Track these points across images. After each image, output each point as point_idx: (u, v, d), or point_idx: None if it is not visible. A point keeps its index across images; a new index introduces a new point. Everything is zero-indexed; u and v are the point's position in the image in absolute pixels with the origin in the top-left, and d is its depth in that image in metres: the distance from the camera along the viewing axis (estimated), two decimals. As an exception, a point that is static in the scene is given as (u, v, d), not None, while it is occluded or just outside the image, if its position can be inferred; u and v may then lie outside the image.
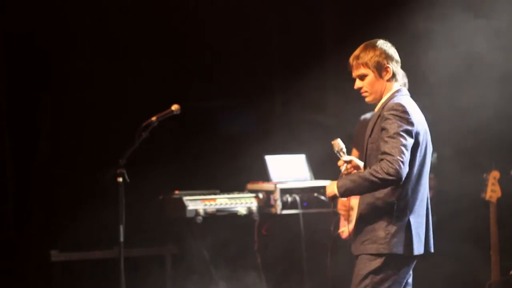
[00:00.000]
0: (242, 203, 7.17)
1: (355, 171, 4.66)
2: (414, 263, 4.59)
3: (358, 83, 4.64)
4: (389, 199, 4.46)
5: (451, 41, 7.17)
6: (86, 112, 7.78)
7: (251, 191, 7.32)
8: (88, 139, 7.75)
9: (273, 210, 7.00)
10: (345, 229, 6.46)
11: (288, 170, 7.37)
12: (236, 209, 7.15)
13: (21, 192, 7.73)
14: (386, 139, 4.36)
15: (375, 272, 4.45)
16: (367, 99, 4.66)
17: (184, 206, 7.02)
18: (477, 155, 7.11)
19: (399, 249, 4.44)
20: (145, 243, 7.57)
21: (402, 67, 6.33)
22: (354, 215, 6.41)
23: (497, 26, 7.01)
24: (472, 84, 7.07)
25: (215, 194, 7.25)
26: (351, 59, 4.66)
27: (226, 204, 7.14)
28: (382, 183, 4.35)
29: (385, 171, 4.31)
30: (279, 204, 7.05)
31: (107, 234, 6.69)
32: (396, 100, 4.50)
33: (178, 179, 7.75)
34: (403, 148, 4.33)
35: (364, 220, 4.52)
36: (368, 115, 6.52)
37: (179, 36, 8.09)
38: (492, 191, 6.39)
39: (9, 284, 7.47)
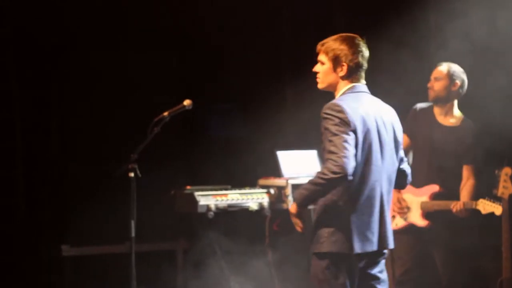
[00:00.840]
0: (253, 198, 7.17)
1: None
2: (369, 262, 4.64)
3: (316, 67, 4.72)
4: (332, 198, 4.52)
5: (462, 36, 7.15)
6: (98, 106, 7.79)
7: (263, 187, 7.32)
8: (99, 134, 7.77)
9: (284, 205, 6.99)
10: (396, 222, 6.50)
11: (299, 165, 7.36)
12: (247, 204, 7.15)
13: (32, 186, 7.75)
14: (329, 138, 4.42)
15: (322, 270, 4.56)
16: (318, 85, 4.73)
17: (195, 202, 7.02)
18: (489, 151, 7.09)
19: (337, 248, 4.51)
20: (156, 238, 7.58)
21: (411, 64, 6.35)
22: (411, 213, 6.47)
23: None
24: (482, 79, 7.05)
25: (226, 189, 7.25)
26: (320, 42, 4.74)
27: (238, 199, 7.14)
28: (331, 183, 4.40)
29: (331, 170, 4.36)
30: (290, 199, 7.04)
31: (118, 229, 6.69)
32: (338, 100, 4.57)
33: (190, 174, 7.76)
34: (345, 144, 4.38)
35: (316, 219, 4.61)
36: (423, 105, 6.55)
37: (190, 34, 8.11)
38: (504, 188, 6.37)
39: (20, 279, 7.49)
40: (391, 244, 4.66)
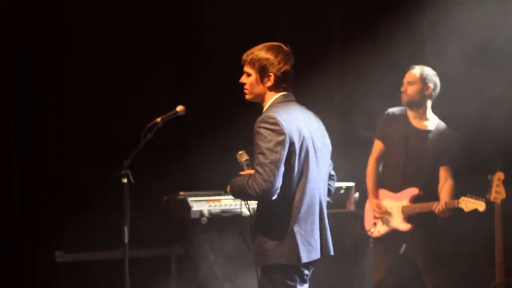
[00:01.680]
0: (246, 204, 7.15)
1: None
2: (311, 268, 4.66)
3: (242, 78, 4.70)
4: (275, 210, 4.49)
5: (452, 39, 7.17)
6: (93, 112, 7.79)
7: (256, 192, 7.31)
8: (94, 140, 7.76)
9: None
10: (379, 229, 6.49)
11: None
12: (240, 210, 7.14)
13: (26, 193, 7.74)
14: (257, 155, 4.40)
15: (272, 284, 4.52)
16: (246, 96, 4.72)
17: (188, 207, 7.03)
18: (481, 155, 7.11)
19: (284, 260, 4.48)
20: (150, 244, 7.57)
21: (406, 67, 6.33)
22: (392, 219, 6.47)
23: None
24: (478, 85, 7.06)
25: (219, 195, 7.25)
26: (245, 53, 4.70)
27: (231, 205, 7.15)
28: (255, 198, 4.46)
29: (256, 190, 4.35)
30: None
31: (112, 235, 6.70)
32: (270, 111, 4.51)
33: (183, 180, 7.76)
34: (272, 166, 4.34)
35: (258, 230, 4.59)
36: (396, 109, 6.55)
37: (190, 36, 8.11)
38: (497, 192, 6.38)
39: (14, 285, 7.48)
40: (331, 251, 4.67)
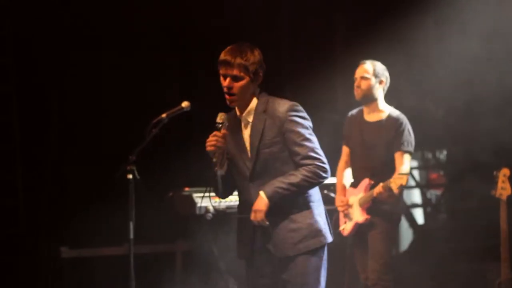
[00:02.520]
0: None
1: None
2: None
3: (228, 82, 4.56)
4: (313, 191, 4.57)
5: (450, 48, 7.17)
6: (95, 110, 7.80)
7: (260, 188, 7.31)
8: (98, 136, 7.77)
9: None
10: (346, 226, 6.47)
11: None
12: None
13: (31, 189, 7.75)
14: (303, 142, 4.46)
15: (318, 266, 4.53)
16: (233, 103, 4.60)
17: (194, 203, 7.03)
18: (487, 152, 7.10)
19: (330, 238, 4.59)
20: (155, 240, 7.58)
21: (407, 64, 6.29)
22: (353, 212, 6.45)
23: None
24: (482, 80, 7.06)
25: (225, 191, 7.24)
26: (228, 55, 4.55)
27: (236, 201, 7.13)
28: (313, 187, 4.51)
29: (319, 176, 4.44)
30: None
31: (117, 231, 6.70)
32: (281, 100, 4.54)
33: (188, 176, 7.76)
34: (320, 148, 4.50)
35: (294, 220, 4.52)
36: (355, 111, 6.55)
37: (190, 35, 8.11)
38: (502, 189, 6.37)
39: (19, 281, 7.49)
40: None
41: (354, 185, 6.50)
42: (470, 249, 7.21)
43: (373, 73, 6.41)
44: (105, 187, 7.27)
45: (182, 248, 7.64)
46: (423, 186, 10.30)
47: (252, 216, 4.50)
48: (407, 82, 7.50)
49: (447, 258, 7.30)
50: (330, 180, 7.25)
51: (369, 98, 6.43)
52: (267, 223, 4.47)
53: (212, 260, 7.35)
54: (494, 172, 6.44)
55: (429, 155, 10.05)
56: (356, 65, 6.47)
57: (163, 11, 8.02)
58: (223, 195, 4.79)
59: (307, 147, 4.46)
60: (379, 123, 6.41)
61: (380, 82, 6.42)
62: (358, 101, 6.47)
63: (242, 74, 4.49)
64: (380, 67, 6.45)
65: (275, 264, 4.57)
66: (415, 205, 10.22)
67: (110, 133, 7.70)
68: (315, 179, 4.45)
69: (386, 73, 6.47)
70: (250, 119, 4.58)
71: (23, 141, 7.71)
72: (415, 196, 10.43)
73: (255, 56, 4.53)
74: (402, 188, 6.12)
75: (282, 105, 4.50)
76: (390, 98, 6.54)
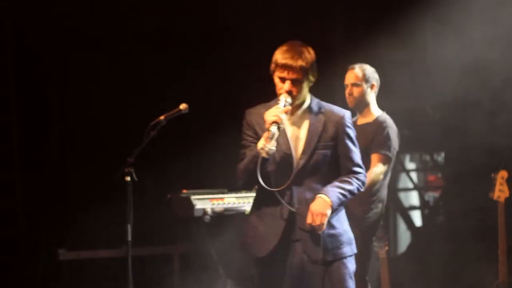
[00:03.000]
0: (250, 202, 7.15)
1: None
2: None
3: (288, 86, 4.45)
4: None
5: (450, 45, 7.18)
6: (96, 110, 7.80)
7: (259, 190, 7.32)
8: (97, 138, 7.77)
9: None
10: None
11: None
12: (244, 208, 7.15)
13: (29, 191, 7.75)
14: (355, 149, 4.53)
15: (350, 273, 4.49)
16: (293, 104, 4.48)
17: (192, 205, 7.03)
18: (485, 155, 7.11)
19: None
20: (153, 242, 7.58)
21: (405, 66, 6.29)
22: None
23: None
24: (480, 82, 7.07)
25: (223, 193, 7.25)
26: (291, 59, 4.44)
27: (234, 203, 7.15)
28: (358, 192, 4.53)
29: (364, 185, 4.52)
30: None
31: (115, 233, 6.70)
32: (331, 104, 4.59)
33: (186, 178, 7.76)
34: None
35: (333, 225, 4.47)
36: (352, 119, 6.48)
37: (191, 36, 8.12)
38: (500, 191, 6.38)
39: (17, 283, 7.49)
40: None
41: None
42: (468, 251, 7.21)
43: (364, 79, 6.35)
44: (104, 189, 7.27)
45: (180, 250, 7.64)
46: (421, 188, 10.30)
47: (310, 219, 4.34)
48: (405, 84, 7.50)
49: (445, 260, 7.30)
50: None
51: (362, 105, 6.38)
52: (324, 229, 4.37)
53: (210, 263, 7.35)
54: (492, 175, 6.45)
55: (427, 157, 10.05)
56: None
57: (163, 10, 8.02)
58: (250, 183, 4.59)
59: (358, 155, 4.52)
60: (366, 125, 6.36)
61: (372, 86, 6.34)
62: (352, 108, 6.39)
63: (302, 76, 4.44)
64: (369, 70, 6.37)
65: (304, 270, 4.46)
66: (413, 207, 10.22)
67: (109, 135, 7.70)
68: (361, 189, 4.51)
69: (376, 76, 6.39)
70: (306, 117, 4.51)
71: (22, 141, 7.71)
72: (413, 198, 10.43)
73: (312, 56, 4.50)
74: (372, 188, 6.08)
75: (339, 110, 4.54)
76: (387, 99, 6.55)
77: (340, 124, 4.47)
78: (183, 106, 6.02)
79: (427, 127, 8.12)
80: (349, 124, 4.50)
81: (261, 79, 8.29)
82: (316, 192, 4.42)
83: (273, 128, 4.29)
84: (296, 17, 8.36)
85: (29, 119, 7.74)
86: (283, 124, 4.36)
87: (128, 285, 6.09)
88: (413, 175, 10.26)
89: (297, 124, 4.50)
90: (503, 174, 6.41)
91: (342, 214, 4.53)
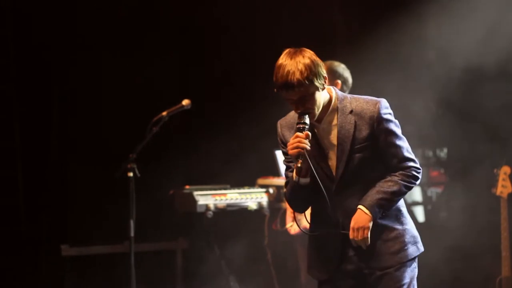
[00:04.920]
0: (252, 198, 7.17)
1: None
2: None
3: (300, 103, 3.95)
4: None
5: (451, 42, 7.16)
6: (98, 106, 7.80)
7: (262, 186, 7.33)
8: (99, 133, 7.77)
9: (283, 205, 6.99)
10: (294, 224, 6.32)
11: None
12: (246, 204, 7.16)
13: (32, 186, 7.75)
14: (397, 143, 4.02)
15: (414, 276, 4.15)
16: (313, 119, 4.01)
17: (194, 201, 7.03)
18: (488, 150, 7.10)
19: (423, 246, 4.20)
20: (155, 237, 7.59)
21: (405, 63, 6.22)
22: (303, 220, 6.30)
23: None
24: (483, 78, 7.06)
25: (225, 189, 7.25)
26: (291, 75, 3.87)
27: (237, 199, 7.15)
28: (411, 188, 4.11)
29: (416, 178, 4.08)
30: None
31: (118, 228, 6.71)
32: (364, 98, 4.07)
33: (189, 174, 7.77)
34: (410, 147, 4.09)
35: (389, 226, 4.07)
36: None
37: (191, 35, 8.12)
38: (503, 187, 6.38)
39: (20, 279, 7.49)
40: None
41: None
42: (471, 246, 7.20)
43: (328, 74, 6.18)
44: (106, 184, 7.28)
45: (183, 246, 7.64)
46: (423, 184, 10.29)
47: (353, 235, 3.97)
48: (407, 80, 7.49)
49: (448, 256, 7.28)
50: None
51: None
52: (369, 242, 3.98)
53: (212, 258, 7.35)
54: (495, 170, 6.45)
55: (430, 153, 10.04)
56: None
57: (166, 7, 8.01)
58: (302, 208, 4.19)
59: (402, 147, 4.02)
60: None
61: (336, 84, 6.06)
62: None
63: (308, 89, 3.90)
64: (337, 67, 6.16)
65: (366, 281, 4.08)
66: (416, 203, 10.21)
67: (111, 131, 7.70)
68: (413, 183, 4.05)
69: (345, 72, 6.15)
70: (334, 121, 4.03)
71: (24, 138, 7.71)
72: (416, 194, 10.41)
73: (309, 59, 3.90)
74: None
75: (371, 103, 4.02)
76: (390, 96, 6.55)
77: (373, 120, 3.98)
78: (185, 101, 6.03)
79: (430, 122, 8.11)
80: (384, 116, 3.99)
81: (262, 76, 8.34)
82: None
83: (298, 163, 3.90)
84: (296, 17, 8.35)
85: (30, 116, 7.74)
86: (308, 149, 3.91)
87: (130, 281, 6.10)
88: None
89: (327, 131, 4.04)
90: (506, 169, 6.41)
91: (399, 211, 4.11)
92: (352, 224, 3.97)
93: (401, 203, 4.14)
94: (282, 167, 7.34)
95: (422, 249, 4.14)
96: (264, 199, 7.18)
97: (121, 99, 7.76)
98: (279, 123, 4.24)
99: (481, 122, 7.09)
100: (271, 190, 7.21)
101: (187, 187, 7.28)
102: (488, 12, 7.01)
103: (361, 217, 3.96)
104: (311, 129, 3.97)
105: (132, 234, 6.06)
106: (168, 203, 7.37)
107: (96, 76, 7.74)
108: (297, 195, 4.08)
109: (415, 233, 4.13)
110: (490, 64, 7.02)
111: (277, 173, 7.33)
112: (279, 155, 7.39)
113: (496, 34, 7.03)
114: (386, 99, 4.15)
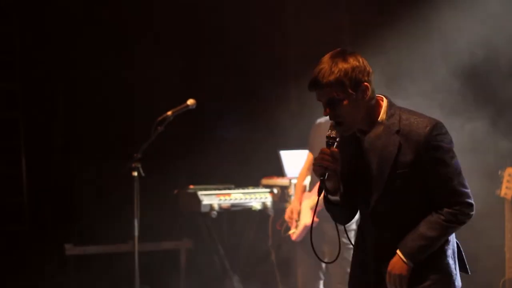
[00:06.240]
0: (256, 198, 7.18)
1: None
2: None
3: (328, 111, 3.58)
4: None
5: (454, 45, 7.16)
6: (103, 105, 7.80)
7: (266, 186, 7.33)
8: (104, 133, 7.78)
9: (287, 205, 6.99)
10: (296, 230, 6.34)
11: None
12: (250, 204, 7.16)
13: (36, 186, 7.76)
14: (447, 175, 3.53)
15: None
16: (345, 132, 3.64)
17: (199, 201, 7.03)
18: (492, 152, 7.09)
19: (460, 280, 3.76)
20: (159, 237, 7.59)
21: (413, 66, 6.19)
22: (303, 216, 6.33)
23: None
24: (484, 77, 7.05)
25: (230, 189, 7.26)
26: (315, 75, 3.55)
27: (241, 199, 7.15)
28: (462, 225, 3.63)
29: (467, 216, 3.60)
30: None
31: (122, 228, 6.72)
32: (418, 116, 3.61)
33: (193, 173, 7.77)
34: (464, 178, 3.60)
35: (423, 275, 3.64)
36: (323, 120, 6.21)
37: (192, 36, 8.12)
38: (507, 188, 6.36)
39: (24, 278, 7.50)
40: None
41: (310, 189, 6.37)
42: (474, 248, 7.19)
43: None
44: (111, 184, 7.29)
45: (187, 246, 7.64)
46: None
47: (389, 279, 3.63)
48: (411, 81, 7.49)
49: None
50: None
51: None
52: None
53: (216, 258, 7.36)
54: (499, 172, 6.43)
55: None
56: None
57: (165, 13, 8.02)
58: (341, 221, 3.82)
59: (453, 180, 3.54)
60: None
61: None
62: None
63: (336, 94, 3.49)
64: None
65: None
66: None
67: (116, 130, 7.71)
68: (461, 223, 3.57)
69: None
70: (380, 139, 3.57)
71: (28, 137, 7.72)
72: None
73: (349, 65, 3.48)
74: None
75: (421, 124, 3.52)
76: (394, 96, 6.55)
77: (421, 146, 3.50)
78: (190, 101, 6.03)
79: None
80: (433, 143, 3.50)
81: (266, 76, 8.35)
82: (399, 234, 3.62)
83: (323, 182, 3.59)
84: (301, 17, 8.35)
85: (35, 115, 7.75)
86: (333, 168, 3.55)
87: (134, 280, 6.10)
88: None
89: (369, 150, 3.62)
90: (510, 171, 6.39)
91: (441, 248, 3.65)
92: (389, 268, 3.63)
93: (451, 239, 3.70)
94: (287, 167, 7.36)
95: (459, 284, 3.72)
96: (268, 199, 7.18)
97: (126, 98, 7.77)
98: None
99: (484, 123, 7.08)
100: (275, 190, 7.21)
101: (191, 186, 7.28)
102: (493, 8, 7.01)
103: (398, 265, 3.60)
104: (357, 141, 3.63)
105: (136, 233, 6.06)
106: (173, 203, 7.37)
107: (101, 75, 7.75)
108: (330, 210, 3.78)
109: (451, 271, 3.67)
110: (496, 65, 7.01)
111: (281, 173, 7.34)
112: (284, 155, 7.40)
113: (500, 34, 7.03)
114: (395, 94, 3.91)
